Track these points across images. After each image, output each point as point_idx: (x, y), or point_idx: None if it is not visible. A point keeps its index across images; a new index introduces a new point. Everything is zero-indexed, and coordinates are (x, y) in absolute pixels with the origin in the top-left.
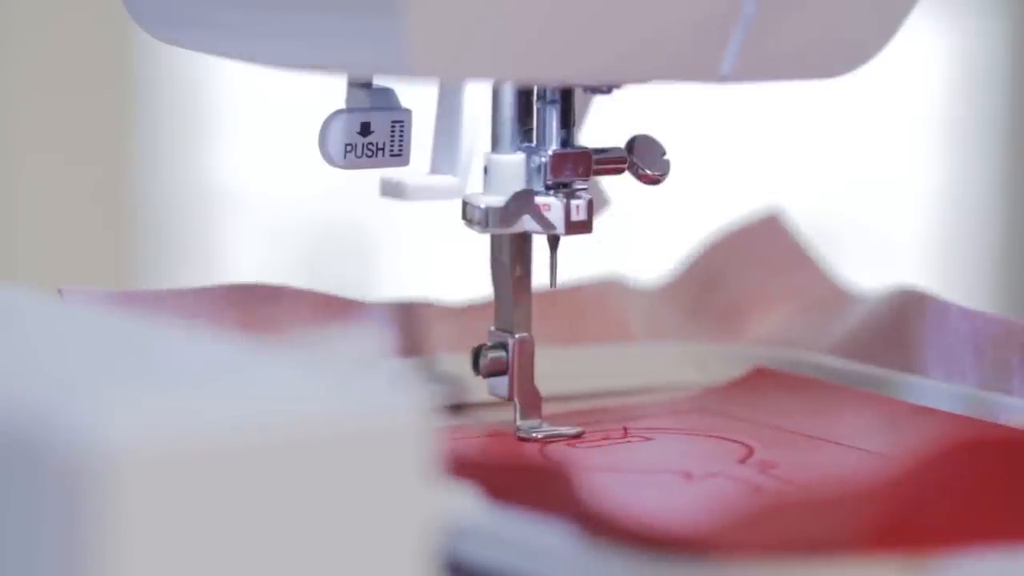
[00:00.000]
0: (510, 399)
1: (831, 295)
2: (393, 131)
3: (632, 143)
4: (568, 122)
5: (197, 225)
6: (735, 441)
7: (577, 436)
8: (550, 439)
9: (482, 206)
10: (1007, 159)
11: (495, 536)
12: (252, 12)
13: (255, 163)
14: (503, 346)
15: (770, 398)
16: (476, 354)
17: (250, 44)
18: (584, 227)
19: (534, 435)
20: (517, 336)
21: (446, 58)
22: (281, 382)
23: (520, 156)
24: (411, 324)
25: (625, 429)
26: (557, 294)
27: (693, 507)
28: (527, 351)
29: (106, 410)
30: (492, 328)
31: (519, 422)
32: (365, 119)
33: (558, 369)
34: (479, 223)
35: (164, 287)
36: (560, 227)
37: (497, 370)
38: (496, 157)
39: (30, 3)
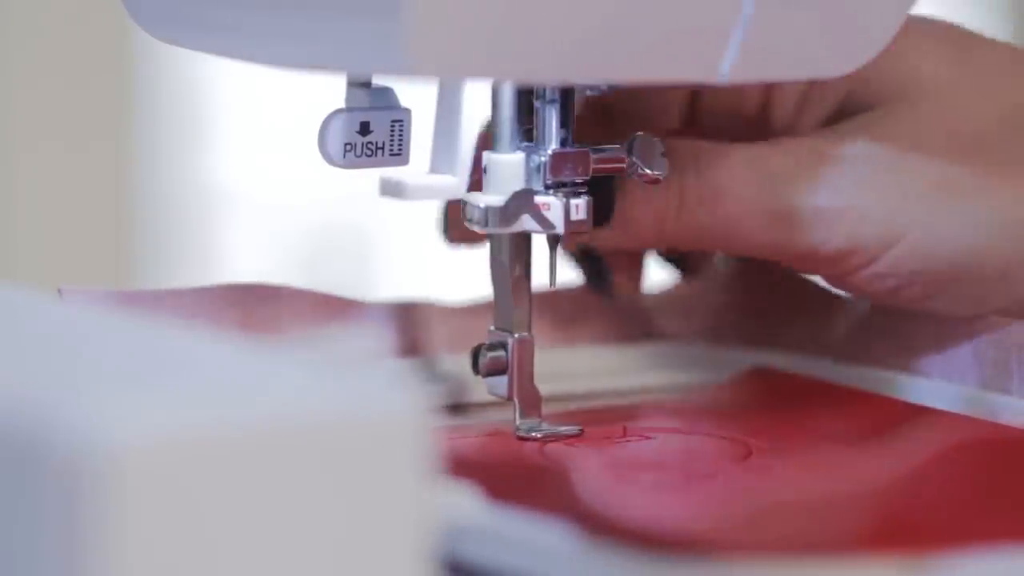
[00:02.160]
0: (510, 399)
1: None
2: (393, 131)
3: (632, 143)
4: (568, 122)
5: (196, 225)
6: (735, 441)
7: (577, 436)
8: (550, 439)
9: (482, 206)
10: None
11: (495, 536)
12: (252, 12)
13: (255, 163)
14: (503, 346)
15: (770, 398)
16: (476, 354)
17: (250, 44)
18: (584, 227)
19: (534, 435)
20: (517, 336)
21: (446, 58)
22: (281, 382)
23: (520, 156)
24: (411, 324)
25: (625, 429)
26: (557, 294)
27: (693, 507)
28: (527, 351)
29: (106, 410)
30: (492, 328)
31: (519, 422)
32: (365, 118)
33: (558, 369)
34: (479, 223)
35: (164, 287)
36: (560, 227)
37: (497, 370)
38: (496, 157)
39: (30, 3)
